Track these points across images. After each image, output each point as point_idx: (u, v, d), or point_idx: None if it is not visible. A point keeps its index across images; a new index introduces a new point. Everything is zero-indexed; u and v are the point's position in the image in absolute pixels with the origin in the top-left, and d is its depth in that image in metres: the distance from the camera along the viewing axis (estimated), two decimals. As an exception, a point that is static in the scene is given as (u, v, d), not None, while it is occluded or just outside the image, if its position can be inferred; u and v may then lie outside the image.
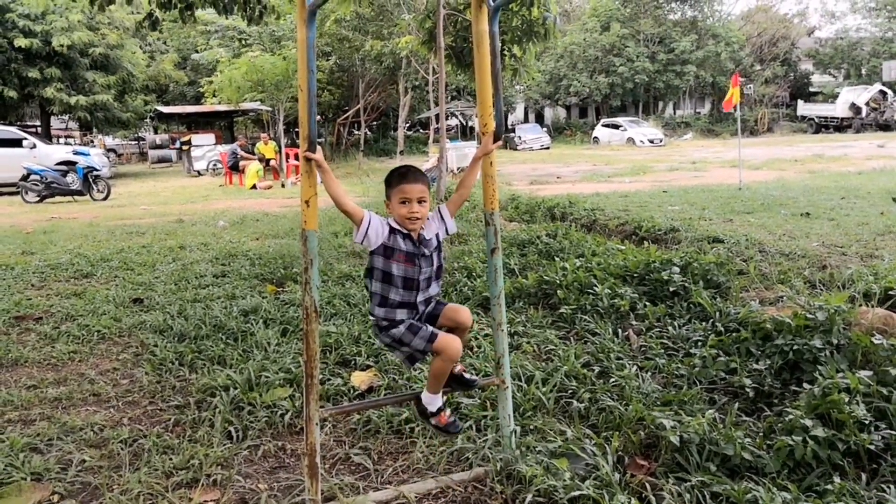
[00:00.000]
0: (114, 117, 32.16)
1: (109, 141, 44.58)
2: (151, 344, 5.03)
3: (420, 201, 2.86)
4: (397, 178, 2.91)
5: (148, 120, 40.36)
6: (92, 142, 38.54)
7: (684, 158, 25.57)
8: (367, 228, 2.83)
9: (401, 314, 2.91)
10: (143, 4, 9.78)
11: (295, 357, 4.49)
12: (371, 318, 3.02)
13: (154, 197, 18.56)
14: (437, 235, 2.97)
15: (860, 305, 4.63)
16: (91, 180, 18.20)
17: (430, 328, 2.91)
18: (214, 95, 27.64)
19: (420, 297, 2.93)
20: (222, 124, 34.69)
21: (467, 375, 3.15)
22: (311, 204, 2.76)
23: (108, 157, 28.84)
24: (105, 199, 17.94)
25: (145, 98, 36.59)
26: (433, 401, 3.03)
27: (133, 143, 47.86)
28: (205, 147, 27.88)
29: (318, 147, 2.74)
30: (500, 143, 3.01)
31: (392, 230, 2.87)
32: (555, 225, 8.92)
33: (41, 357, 4.91)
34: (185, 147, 28.80)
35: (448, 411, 3.10)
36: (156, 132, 41.69)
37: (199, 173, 27.14)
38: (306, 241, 2.80)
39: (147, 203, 16.58)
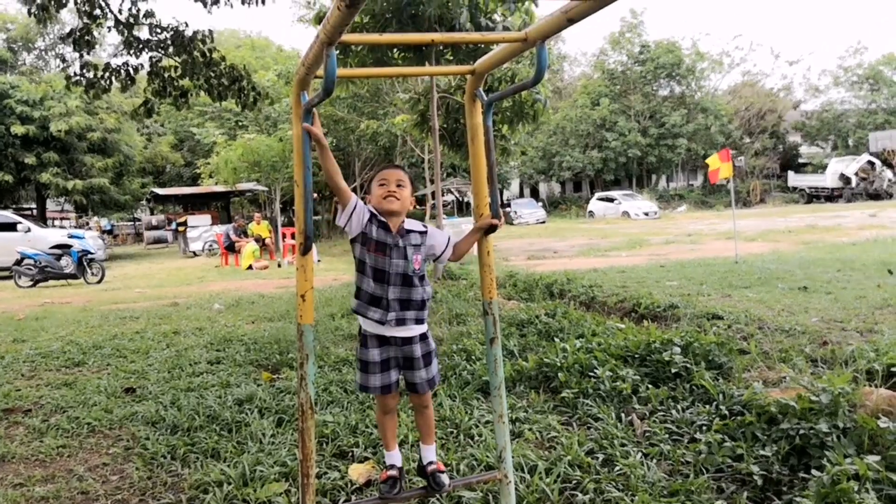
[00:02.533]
0: (110, 199, 32.46)
1: (105, 222, 44.87)
2: (143, 437, 4.90)
3: (399, 185, 2.94)
4: (378, 169, 3.06)
5: (144, 201, 40.71)
6: (87, 224, 38.71)
7: (680, 231, 25.73)
8: (353, 211, 2.86)
9: (372, 313, 2.92)
10: (140, 90, 10.01)
11: (291, 449, 4.37)
12: (358, 318, 3.08)
13: (149, 279, 18.52)
14: (421, 234, 3.00)
15: (864, 385, 4.56)
16: (85, 263, 18.21)
17: (387, 383, 3.00)
18: (211, 176, 27.98)
19: (392, 294, 2.90)
20: (219, 205, 34.98)
21: (439, 477, 3.11)
22: (307, 298, 2.73)
23: (104, 239, 28.95)
24: (99, 282, 17.91)
25: (142, 180, 37.00)
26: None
27: (129, 223, 48.18)
28: (201, 228, 28.04)
29: (318, 121, 2.68)
30: (499, 224, 3.03)
31: (371, 217, 2.91)
32: (554, 303, 8.88)
33: (29, 452, 4.77)
34: (181, 228, 28.95)
35: (393, 472, 3.15)
36: (152, 213, 41.97)
37: (195, 254, 27.22)
38: (302, 335, 2.75)
39: (142, 286, 16.52)
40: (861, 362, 5.13)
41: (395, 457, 3.19)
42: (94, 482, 4.24)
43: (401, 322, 2.94)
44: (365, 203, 2.96)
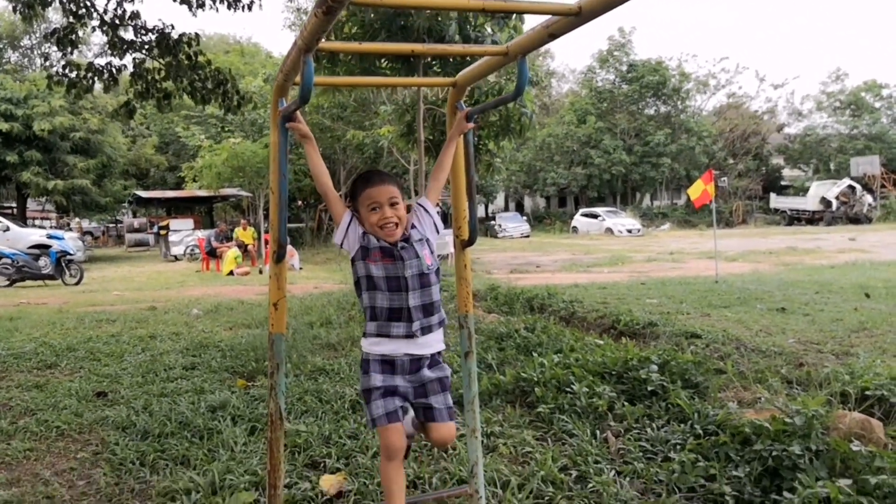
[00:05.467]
0: (92, 201, 32.15)
1: (86, 223, 44.48)
2: (112, 442, 4.83)
3: (392, 205, 2.61)
4: (361, 184, 2.67)
5: (126, 203, 40.40)
6: (68, 224, 38.38)
7: (662, 249, 25.84)
8: (348, 227, 2.60)
9: (396, 328, 2.58)
10: (125, 91, 9.94)
11: (262, 458, 4.32)
12: (362, 342, 2.71)
13: (128, 282, 18.36)
14: (417, 228, 2.71)
15: (838, 408, 4.57)
16: (64, 264, 18.02)
17: (391, 409, 2.60)
18: (195, 180, 27.80)
19: (413, 301, 2.58)
20: (202, 209, 34.78)
21: None
22: (280, 307, 2.70)
23: (84, 241, 28.67)
24: (77, 283, 17.73)
25: (125, 182, 36.69)
26: None
27: (111, 225, 47.79)
28: (183, 232, 27.87)
29: (300, 117, 2.53)
30: (470, 128, 2.84)
31: (366, 232, 2.63)
32: (533, 318, 8.86)
33: (-5, 455, 4.69)
34: (162, 231, 28.76)
35: None
36: (134, 216, 41.67)
37: (177, 258, 27.04)
38: (273, 344, 2.71)
39: (120, 288, 16.37)
40: (836, 385, 5.15)
41: None
42: (59, 487, 4.18)
43: (427, 330, 2.65)
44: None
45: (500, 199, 60.01)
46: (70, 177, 30.24)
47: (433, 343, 2.72)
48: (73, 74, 9.30)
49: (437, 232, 2.80)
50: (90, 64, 9.52)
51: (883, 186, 47.30)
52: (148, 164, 40.18)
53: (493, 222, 44.72)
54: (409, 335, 2.60)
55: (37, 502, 3.99)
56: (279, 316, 2.70)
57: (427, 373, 2.71)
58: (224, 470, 4.12)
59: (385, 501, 2.69)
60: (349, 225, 2.62)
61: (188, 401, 5.66)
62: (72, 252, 19.20)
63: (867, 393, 4.93)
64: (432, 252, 2.74)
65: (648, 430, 4.61)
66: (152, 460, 4.45)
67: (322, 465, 4.32)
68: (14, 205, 35.93)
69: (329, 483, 4.00)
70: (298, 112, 2.53)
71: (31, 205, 39.47)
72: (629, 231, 40.14)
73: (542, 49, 53.94)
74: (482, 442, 3.61)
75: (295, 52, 2.08)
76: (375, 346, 2.65)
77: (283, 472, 2.76)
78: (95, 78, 9.32)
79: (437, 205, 2.89)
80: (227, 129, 31.38)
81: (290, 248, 9.98)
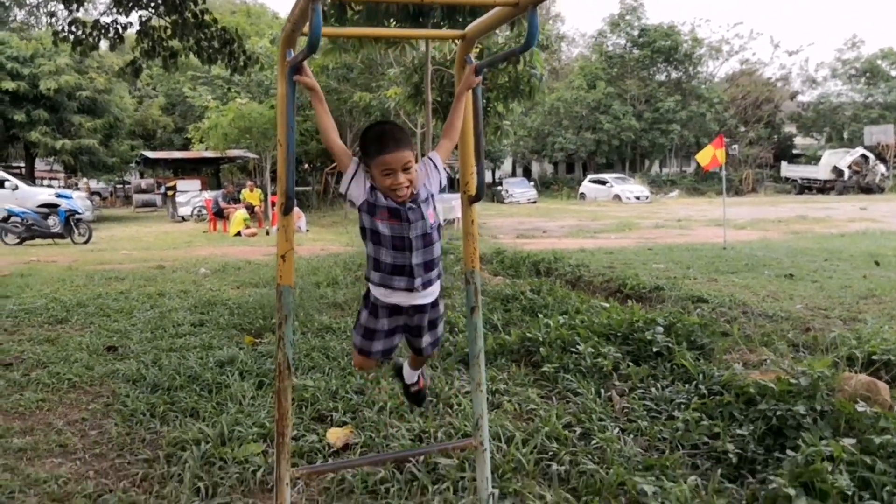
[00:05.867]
0: (99, 161, 32.11)
1: (94, 184, 44.49)
2: (123, 394, 4.90)
3: (405, 169, 2.59)
4: (375, 147, 2.60)
5: (133, 164, 40.31)
6: (76, 184, 38.40)
7: (670, 216, 25.75)
8: (352, 178, 2.60)
9: (398, 282, 2.65)
10: (132, 50, 9.88)
11: (270, 411, 4.37)
12: (370, 285, 2.78)
13: (136, 242, 18.44)
14: (425, 186, 2.70)
15: (844, 371, 4.59)
16: (73, 223, 18.07)
17: (375, 348, 2.86)
18: (201, 141, 27.73)
19: (416, 259, 2.63)
20: (209, 171, 34.73)
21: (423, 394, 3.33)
22: (287, 259, 2.71)
23: (92, 201, 28.73)
24: (86, 242, 17.81)
25: (132, 143, 36.60)
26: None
27: (118, 186, 47.80)
28: (190, 193, 27.88)
29: (308, 70, 2.49)
30: (476, 83, 2.83)
31: (373, 186, 2.62)
32: (539, 280, 8.88)
33: (9, 405, 4.76)
34: (170, 192, 28.78)
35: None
36: (141, 176, 41.63)
37: (184, 219, 27.09)
38: (281, 296, 2.73)
39: (129, 248, 16.45)
40: (842, 349, 5.16)
41: None
42: (72, 436, 4.25)
43: (427, 284, 2.72)
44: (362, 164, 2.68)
45: (507, 165, 59.76)
46: (77, 136, 30.19)
47: (433, 293, 2.82)
48: (79, 32, 9.23)
49: (442, 188, 2.82)
50: (96, 21, 9.44)
51: (896, 156, 46.85)
52: (155, 125, 40.07)
53: (500, 187, 44.50)
54: (410, 289, 2.69)
55: (50, 451, 4.06)
56: (287, 268, 2.71)
57: (424, 318, 2.85)
58: (232, 422, 4.18)
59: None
60: (354, 175, 2.62)
61: (197, 356, 5.73)
62: (80, 211, 19.25)
63: (874, 357, 4.94)
64: (435, 208, 2.77)
65: (653, 389, 4.64)
66: (162, 412, 4.52)
67: (329, 418, 4.38)
68: (23, 164, 35.97)
69: (336, 436, 4.06)
70: (306, 65, 2.50)
71: (40, 165, 39.49)
72: (637, 198, 39.94)
73: (553, 12, 53.37)
74: (487, 399, 3.64)
75: (303, 1, 2.07)
76: (384, 297, 2.75)
77: (290, 421, 2.79)
78: (101, 35, 9.25)
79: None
80: (233, 90, 31.19)
81: (296, 210, 9.97)
